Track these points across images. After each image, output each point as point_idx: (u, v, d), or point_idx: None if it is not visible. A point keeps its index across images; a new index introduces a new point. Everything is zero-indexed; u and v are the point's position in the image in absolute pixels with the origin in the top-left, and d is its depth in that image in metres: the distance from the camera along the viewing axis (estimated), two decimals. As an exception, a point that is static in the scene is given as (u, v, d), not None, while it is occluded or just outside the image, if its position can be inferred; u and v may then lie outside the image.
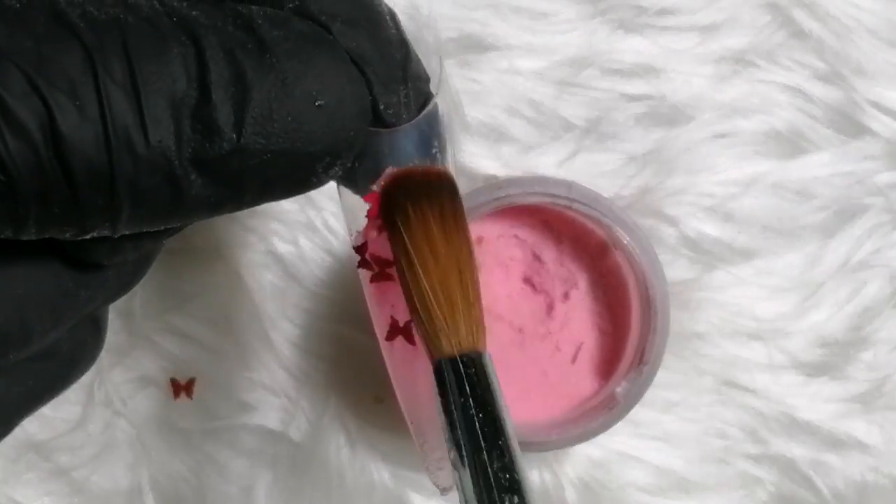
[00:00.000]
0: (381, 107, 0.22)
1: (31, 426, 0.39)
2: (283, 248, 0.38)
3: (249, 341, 0.38)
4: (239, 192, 0.21)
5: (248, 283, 0.38)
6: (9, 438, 0.25)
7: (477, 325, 0.23)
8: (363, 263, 0.24)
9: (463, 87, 0.37)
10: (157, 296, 0.38)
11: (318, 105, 0.21)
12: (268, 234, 0.38)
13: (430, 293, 0.23)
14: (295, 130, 0.20)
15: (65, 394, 0.27)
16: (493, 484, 0.22)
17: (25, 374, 0.24)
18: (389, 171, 0.23)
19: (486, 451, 0.22)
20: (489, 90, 0.37)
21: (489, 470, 0.22)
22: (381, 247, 0.24)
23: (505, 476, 0.22)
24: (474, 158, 0.37)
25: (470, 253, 0.24)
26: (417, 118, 0.23)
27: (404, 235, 0.23)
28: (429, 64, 0.24)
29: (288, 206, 0.38)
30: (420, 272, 0.23)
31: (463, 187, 0.37)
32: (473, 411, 0.23)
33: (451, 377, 0.23)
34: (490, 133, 0.38)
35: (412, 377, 0.26)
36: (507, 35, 0.37)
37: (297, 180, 0.22)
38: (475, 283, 0.24)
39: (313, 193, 0.38)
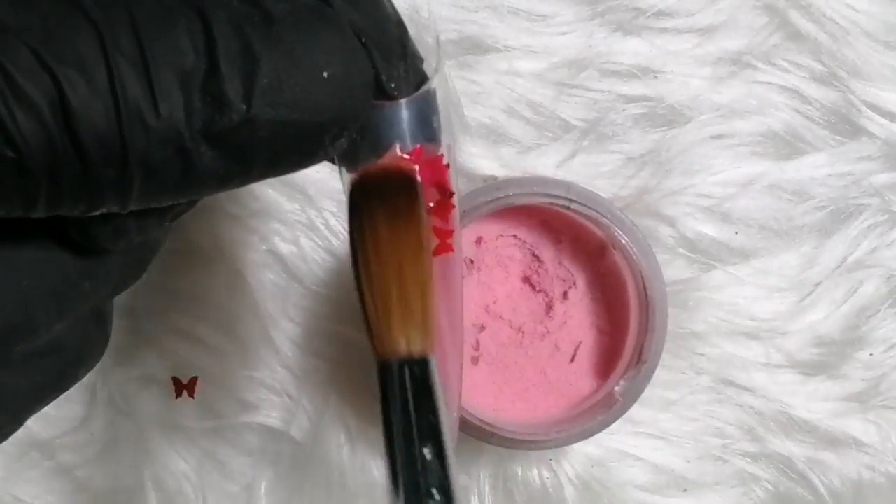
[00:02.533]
0: (384, 79, 0.22)
1: (35, 425, 0.39)
2: (284, 247, 0.38)
3: (251, 340, 0.38)
4: (248, 165, 0.21)
5: (249, 282, 0.38)
6: (12, 437, 0.26)
7: (422, 329, 0.23)
8: None
9: (462, 89, 0.37)
10: (159, 295, 0.39)
11: (326, 75, 0.21)
12: (269, 234, 0.38)
13: (371, 294, 0.23)
14: (303, 101, 0.21)
15: (68, 393, 0.27)
16: (421, 481, 0.23)
17: (32, 369, 0.24)
18: (361, 170, 0.24)
19: (420, 449, 0.23)
20: (488, 91, 0.37)
21: (420, 466, 0.23)
22: None
23: (434, 475, 0.23)
24: (474, 159, 0.38)
25: (420, 256, 0.24)
26: (417, 93, 0.23)
27: (353, 235, 0.24)
28: (429, 63, 0.24)
29: (289, 207, 0.38)
30: (364, 273, 0.23)
31: (463, 187, 0.37)
32: (413, 412, 0.23)
33: (393, 378, 0.23)
34: (489, 134, 0.38)
35: None
36: (506, 37, 0.37)
37: (305, 152, 0.22)
38: (424, 287, 0.24)
39: (314, 194, 0.38)
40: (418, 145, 0.24)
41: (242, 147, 0.20)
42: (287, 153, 0.21)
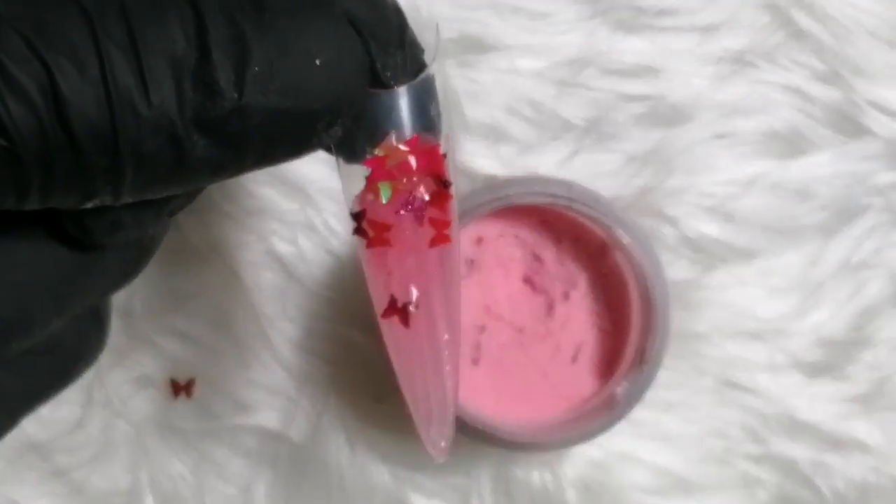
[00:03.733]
0: (379, 66, 0.22)
1: (31, 427, 0.39)
2: (282, 247, 0.38)
3: (249, 341, 0.38)
4: (241, 153, 0.21)
5: (247, 282, 0.38)
6: (8, 439, 0.25)
7: None
8: (359, 231, 0.24)
9: (463, 88, 0.37)
10: (156, 296, 0.38)
11: (318, 63, 0.21)
12: (267, 234, 0.38)
13: None
14: (296, 88, 0.21)
15: (64, 394, 0.26)
16: None
17: (28, 368, 0.24)
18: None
19: None
20: (489, 90, 0.37)
21: None
22: (379, 211, 0.24)
23: None
24: (474, 158, 0.38)
25: None
26: (414, 81, 0.23)
27: None
28: (428, 55, 0.24)
29: (288, 206, 0.38)
30: None
31: (463, 187, 0.37)
32: None
33: None
34: (490, 133, 0.38)
35: (409, 350, 0.26)
36: (506, 35, 0.37)
37: (298, 140, 0.22)
38: None
39: (314, 193, 0.38)
40: (415, 134, 0.24)
41: (235, 135, 0.20)
42: (280, 141, 0.21)
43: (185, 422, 0.39)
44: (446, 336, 0.26)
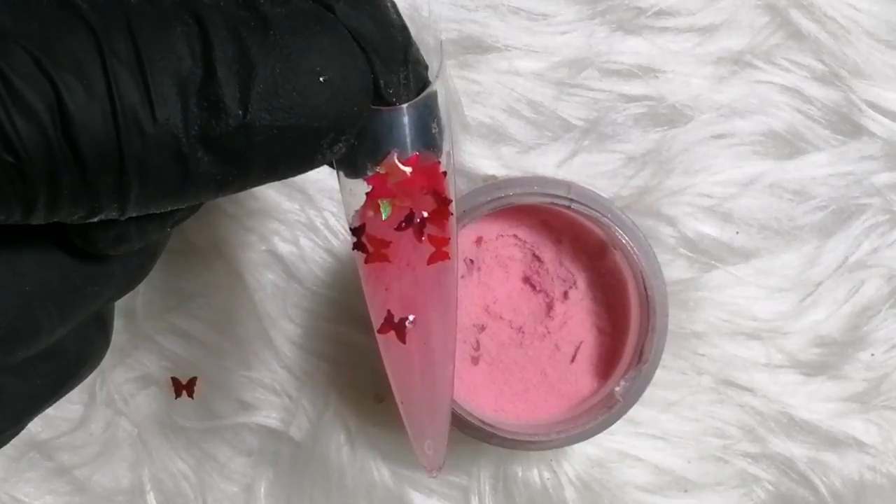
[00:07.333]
0: (382, 84, 0.22)
1: (34, 425, 0.39)
2: (283, 247, 0.38)
3: (250, 341, 0.38)
4: (245, 170, 0.21)
5: (248, 282, 0.38)
6: (10, 437, 0.26)
7: None
8: (359, 245, 0.24)
9: (462, 88, 0.37)
10: (158, 295, 0.39)
11: (322, 80, 0.21)
12: (268, 234, 0.38)
13: None
14: (300, 106, 0.21)
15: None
16: None
17: (33, 373, 0.24)
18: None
19: None
20: (489, 91, 0.37)
21: None
22: (379, 227, 0.24)
23: None
24: (474, 158, 0.38)
25: None
26: (416, 99, 0.23)
27: None
28: (430, 63, 0.24)
29: (288, 206, 0.38)
30: None
31: (463, 187, 0.37)
32: None
33: None
34: (490, 133, 0.38)
35: (405, 366, 0.26)
36: (506, 36, 0.37)
37: (302, 157, 0.22)
38: None
39: (314, 193, 0.38)
40: (416, 153, 0.24)
41: (239, 152, 0.20)
42: (284, 158, 0.21)
43: (187, 420, 0.39)
44: (442, 352, 0.26)
